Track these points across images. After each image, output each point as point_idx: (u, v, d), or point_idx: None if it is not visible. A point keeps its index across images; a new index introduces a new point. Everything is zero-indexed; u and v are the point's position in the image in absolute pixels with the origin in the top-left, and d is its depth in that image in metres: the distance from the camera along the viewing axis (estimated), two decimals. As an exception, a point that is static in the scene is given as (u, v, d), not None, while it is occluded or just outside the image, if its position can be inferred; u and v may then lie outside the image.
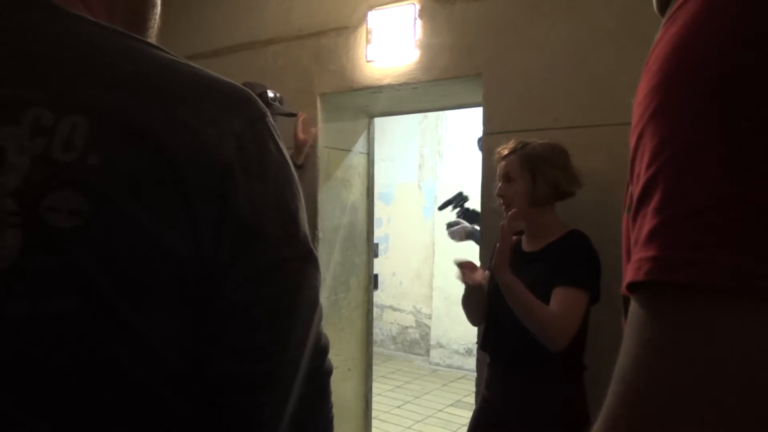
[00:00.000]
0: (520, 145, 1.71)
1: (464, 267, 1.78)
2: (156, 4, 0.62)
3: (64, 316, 0.44)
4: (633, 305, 0.30)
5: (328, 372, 0.58)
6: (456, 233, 2.67)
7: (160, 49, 0.52)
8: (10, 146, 0.44)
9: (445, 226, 2.76)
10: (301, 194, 0.56)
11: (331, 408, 0.59)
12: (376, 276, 3.14)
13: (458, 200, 2.81)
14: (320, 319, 0.56)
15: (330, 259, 2.81)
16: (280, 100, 2.43)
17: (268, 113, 0.54)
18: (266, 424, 0.53)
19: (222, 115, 0.50)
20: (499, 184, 1.73)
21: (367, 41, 2.51)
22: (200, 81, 0.51)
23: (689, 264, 0.27)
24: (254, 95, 0.54)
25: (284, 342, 0.52)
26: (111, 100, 0.47)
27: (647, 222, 0.29)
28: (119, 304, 0.45)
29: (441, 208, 2.89)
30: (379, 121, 3.14)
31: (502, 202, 1.73)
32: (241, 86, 0.54)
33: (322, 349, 0.57)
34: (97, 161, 0.45)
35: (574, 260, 1.59)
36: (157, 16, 0.63)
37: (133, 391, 0.48)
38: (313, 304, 0.55)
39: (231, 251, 0.49)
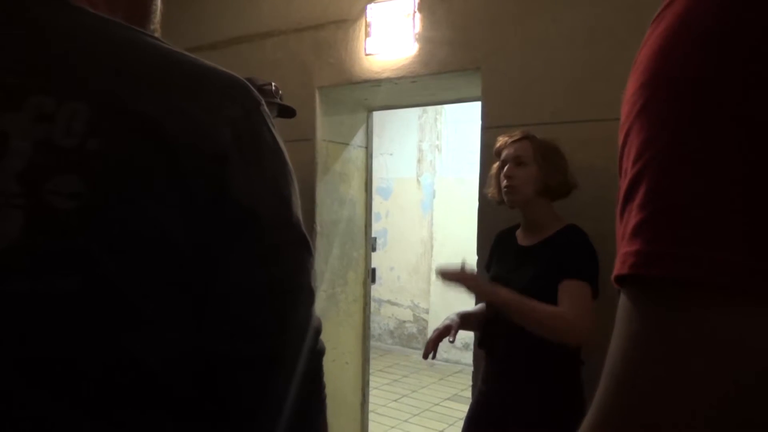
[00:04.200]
0: (528, 134, 1.70)
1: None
2: None
3: (66, 295, 0.46)
4: (621, 299, 0.31)
5: (320, 352, 0.60)
6: None
7: (158, 40, 0.54)
8: (13, 132, 0.46)
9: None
10: (295, 181, 0.58)
11: (324, 387, 0.62)
12: (373, 270, 3.14)
13: None
14: (313, 302, 0.58)
15: (328, 252, 2.81)
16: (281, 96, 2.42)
17: (263, 102, 0.56)
18: (262, 404, 0.54)
19: (218, 103, 0.52)
20: (507, 167, 1.68)
21: (366, 34, 2.51)
22: (197, 70, 0.53)
23: (671, 258, 0.27)
24: (249, 84, 0.56)
25: (279, 323, 0.54)
26: (110, 88, 0.49)
27: (632, 217, 0.30)
28: (122, 286, 0.47)
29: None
30: (377, 115, 3.14)
31: (506, 183, 1.67)
32: (237, 76, 0.55)
33: (315, 331, 0.59)
34: (96, 146, 0.46)
35: (578, 254, 1.58)
36: (159, 9, 0.65)
37: (138, 372, 0.49)
38: (306, 286, 0.57)
39: (227, 235, 0.50)
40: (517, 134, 1.71)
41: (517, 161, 1.67)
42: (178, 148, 0.48)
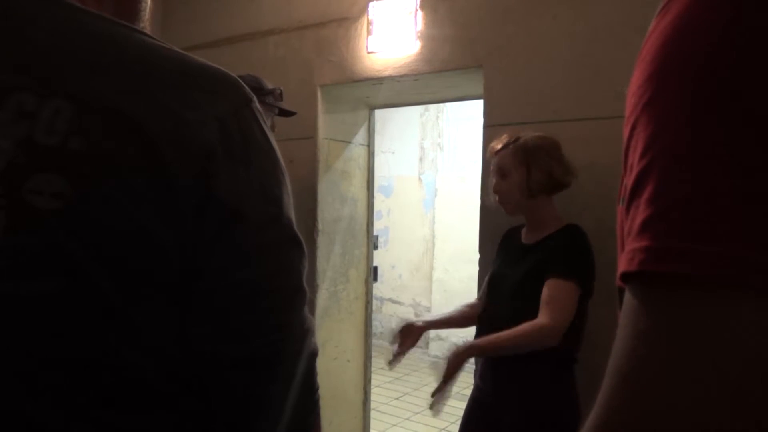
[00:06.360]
0: (513, 139, 1.72)
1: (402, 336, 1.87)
2: None
3: (49, 296, 0.45)
4: (627, 296, 0.30)
5: (313, 354, 0.58)
6: None
7: (147, 36, 0.53)
8: None
9: None
10: (287, 180, 0.56)
11: (317, 389, 0.60)
12: (375, 268, 3.14)
13: None
14: (304, 303, 0.57)
15: (330, 250, 2.81)
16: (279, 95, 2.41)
17: (255, 99, 0.55)
18: (251, 405, 0.53)
19: (206, 100, 0.51)
20: (494, 180, 1.73)
21: (368, 32, 2.50)
22: (185, 66, 0.52)
23: (681, 254, 0.27)
24: (240, 81, 0.54)
25: (269, 324, 0.53)
26: (95, 85, 0.47)
27: (640, 212, 0.29)
28: (106, 287, 0.46)
29: None
30: (379, 113, 3.13)
31: (497, 198, 1.73)
32: (228, 72, 0.54)
33: (306, 332, 0.57)
34: (78, 145, 0.45)
35: (566, 252, 1.60)
36: (148, 4, 0.63)
37: (125, 373, 0.48)
38: (297, 287, 0.55)
39: (213, 234, 0.49)
40: (500, 143, 1.75)
41: (500, 173, 1.72)
42: (162, 147, 0.47)
